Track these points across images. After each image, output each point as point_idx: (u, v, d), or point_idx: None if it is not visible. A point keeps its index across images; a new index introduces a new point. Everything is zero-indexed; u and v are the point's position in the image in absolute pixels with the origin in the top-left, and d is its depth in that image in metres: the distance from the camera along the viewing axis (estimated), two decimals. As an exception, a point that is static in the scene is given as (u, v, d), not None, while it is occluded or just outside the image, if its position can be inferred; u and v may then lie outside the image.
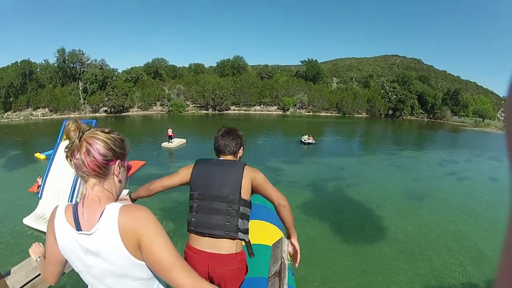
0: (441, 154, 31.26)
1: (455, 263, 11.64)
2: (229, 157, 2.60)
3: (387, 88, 64.51)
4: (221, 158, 2.59)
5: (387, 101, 62.34)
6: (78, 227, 1.34)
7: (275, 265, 2.17)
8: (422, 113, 63.67)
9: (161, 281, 1.47)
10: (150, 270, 1.37)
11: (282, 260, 2.12)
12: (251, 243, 7.91)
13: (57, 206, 1.47)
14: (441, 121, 61.37)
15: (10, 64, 46.83)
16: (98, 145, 1.34)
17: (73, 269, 1.75)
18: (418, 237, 13.50)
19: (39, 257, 1.91)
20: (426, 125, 56.70)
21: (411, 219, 15.34)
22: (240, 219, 2.26)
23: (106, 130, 1.41)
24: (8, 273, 2.12)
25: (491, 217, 15.46)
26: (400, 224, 14.66)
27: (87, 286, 1.55)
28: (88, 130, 1.38)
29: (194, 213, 2.35)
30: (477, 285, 10.41)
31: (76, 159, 1.34)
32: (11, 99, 44.40)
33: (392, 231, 14.03)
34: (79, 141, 1.33)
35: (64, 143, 8.14)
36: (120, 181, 1.48)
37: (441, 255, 12.15)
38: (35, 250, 1.98)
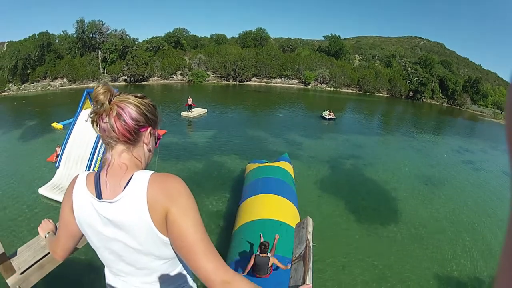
0: (459, 141, 30.98)
1: (466, 254, 11.71)
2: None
3: (409, 69, 63.36)
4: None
5: (409, 83, 61.44)
6: (99, 195, 1.29)
7: (299, 247, 1.98)
8: (442, 98, 62.66)
9: (185, 264, 1.40)
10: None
11: (308, 242, 1.94)
12: (267, 218, 8.25)
13: (77, 175, 1.42)
14: (460, 108, 60.36)
15: (28, 37, 46.12)
16: (130, 109, 1.29)
17: (86, 247, 1.81)
18: (431, 224, 13.58)
19: (48, 233, 1.89)
20: (445, 110, 55.76)
21: (426, 204, 15.35)
22: None
23: (139, 95, 1.36)
24: (15, 254, 2.07)
25: (504, 212, 15.41)
26: (414, 209, 14.71)
27: (103, 266, 1.53)
28: (119, 94, 1.33)
29: None
30: (484, 277, 10.53)
31: (105, 123, 1.28)
32: (28, 71, 43.95)
33: (406, 215, 14.08)
34: (109, 104, 1.28)
35: (85, 112, 9.45)
36: (149, 150, 1.43)
37: (452, 244, 12.22)
38: (44, 227, 1.95)
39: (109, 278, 1.51)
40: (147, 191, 1.21)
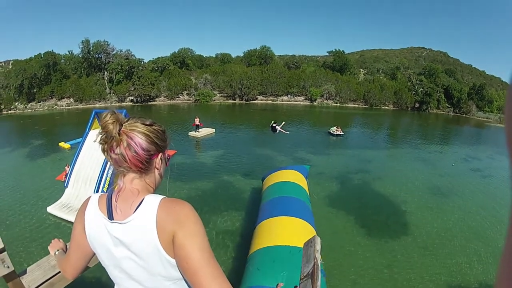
0: (466, 149, 30.93)
1: (478, 263, 11.63)
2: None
3: (413, 80, 63.64)
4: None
5: (414, 94, 61.63)
6: (111, 216, 1.33)
7: (307, 265, 1.97)
8: (448, 107, 62.62)
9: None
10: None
11: (316, 260, 1.93)
12: (281, 244, 8.08)
13: (90, 196, 1.45)
14: (466, 115, 60.21)
15: (33, 56, 46.62)
16: (140, 140, 1.30)
17: (97, 266, 1.82)
18: (442, 234, 13.54)
19: (58, 250, 1.89)
20: (452, 119, 55.67)
21: (436, 215, 15.29)
22: None
23: (147, 122, 1.36)
24: (24, 272, 2.09)
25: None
26: (424, 220, 14.67)
27: (113, 285, 1.54)
28: (127, 121, 1.33)
29: None
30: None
31: (116, 154, 1.29)
32: (34, 90, 44.41)
33: (416, 227, 14.07)
34: (119, 135, 1.29)
35: (93, 132, 10.81)
36: (160, 175, 1.46)
37: (464, 254, 12.14)
38: (54, 245, 1.95)
39: None
40: (157, 214, 1.25)
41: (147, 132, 1.33)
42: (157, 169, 1.41)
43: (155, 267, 1.31)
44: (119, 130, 1.29)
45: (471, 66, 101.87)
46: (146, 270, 1.33)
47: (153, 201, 1.30)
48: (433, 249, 12.41)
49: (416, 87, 61.91)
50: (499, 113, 61.77)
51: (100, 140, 1.32)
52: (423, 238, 13.20)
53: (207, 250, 1.26)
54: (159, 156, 1.40)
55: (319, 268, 1.91)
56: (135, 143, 1.29)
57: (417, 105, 62.02)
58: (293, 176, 14.02)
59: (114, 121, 1.29)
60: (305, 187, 13.63)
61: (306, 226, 10.14)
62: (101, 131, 1.31)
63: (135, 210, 1.29)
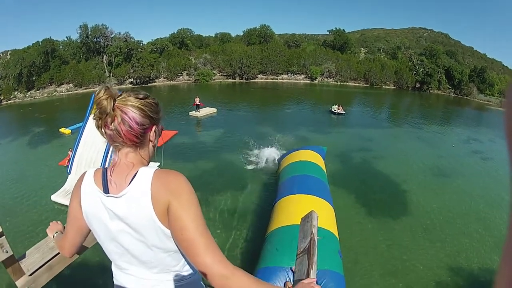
0: (467, 131, 30.93)
1: (477, 244, 11.74)
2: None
3: (414, 60, 63.00)
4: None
5: (415, 74, 61.17)
6: (106, 190, 1.33)
7: (304, 241, 1.98)
8: (449, 88, 62.25)
9: None
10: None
11: (312, 236, 1.93)
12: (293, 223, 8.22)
13: (85, 172, 1.45)
14: (467, 97, 59.77)
15: (31, 44, 45.85)
16: (134, 114, 1.30)
17: (95, 247, 1.84)
18: (442, 216, 13.60)
19: (56, 232, 1.93)
20: (452, 100, 55.57)
21: (436, 196, 15.37)
22: None
23: (141, 96, 1.35)
24: (23, 256, 2.05)
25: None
26: (424, 201, 14.74)
27: (110, 264, 1.57)
28: (120, 96, 1.32)
29: None
30: (494, 268, 10.42)
31: (111, 130, 1.30)
32: (33, 78, 43.77)
33: (416, 207, 14.16)
34: (113, 110, 1.28)
35: (93, 116, 8.79)
36: (154, 147, 1.47)
37: (463, 236, 12.23)
38: (52, 228, 1.99)
39: (116, 273, 1.55)
40: (151, 186, 1.26)
41: (140, 106, 1.32)
42: (151, 141, 1.42)
43: (151, 239, 1.32)
44: (113, 106, 1.28)
45: (472, 48, 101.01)
46: (142, 242, 1.33)
47: (147, 172, 1.30)
48: (433, 229, 12.50)
49: (417, 67, 61.40)
50: (500, 96, 61.46)
51: (94, 116, 1.33)
52: (423, 218, 13.30)
53: (201, 221, 1.28)
54: (153, 129, 1.40)
55: (316, 244, 1.90)
56: (129, 118, 1.29)
57: (418, 85, 61.60)
58: (311, 156, 14.25)
59: (108, 97, 1.28)
60: (323, 166, 13.87)
61: (325, 205, 10.27)
62: (95, 107, 1.31)
63: (130, 183, 1.29)
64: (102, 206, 1.34)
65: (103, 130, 1.33)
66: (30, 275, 1.97)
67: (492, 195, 15.95)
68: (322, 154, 15.36)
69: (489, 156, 22.83)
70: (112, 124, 1.29)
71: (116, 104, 1.29)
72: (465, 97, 60.51)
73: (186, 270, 1.47)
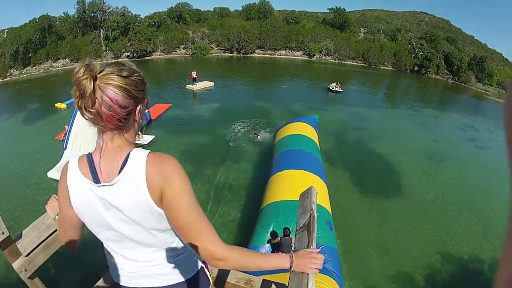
0: (464, 118, 30.90)
1: (467, 231, 11.86)
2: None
3: (414, 43, 62.40)
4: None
5: (414, 57, 60.69)
6: (97, 180, 1.25)
7: (303, 216, 1.94)
8: (447, 74, 61.91)
9: None
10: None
11: (312, 212, 1.89)
12: (290, 199, 8.68)
13: (67, 162, 1.33)
14: (465, 85, 59.39)
15: (28, 22, 44.86)
16: (116, 95, 1.16)
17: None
18: (435, 199, 13.74)
19: (57, 215, 1.72)
20: (450, 86, 55.47)
21: (429, 180, 15.48)
22: None
23: (124, 73, 1.19)
24: (20, 236, 1.98)
25: (505, 195, 14.84)
26: (417, 184, 14.86)
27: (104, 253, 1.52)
28: (102, 73, 1.16)
29: None
30: (483, 257, 10.60)
31: (91, 114, 1.16)
32: (30, 55, 43.09)
33: (410, 189, 14.26)
34: (94, 92, 1.14)
35: None
36: (139, 125, 1.35)
37: (454, 220, 12.36)
38: (52, 205, 1.85)
39: (112, 258, 1.49)
40: (146, 171, 1.21)
41: (124, 86, 1.18)
42: (136, 121, 1.31)
43: (149, 223, 1.29)
44: (93, 87, 1.13)
45: (473, 37, 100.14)
46: (140, 227, 1.29)
47: (139, 157, 1.24)
48: (426, 212, 12.59)
49: (416, 50, 60.93)
50: (498, 87, 61.33)
51: (74, 97, 1.17)
52: (416, 200, 13.40)
53: (196, 205, 1.27)
54: (138, 109, 1.28)
55: (315, 220, 1.87)
56: (111, 100, 1.15)
57: (416, 68, 61.28)
58: (303, 129, 14.24)
59: (87, 77, 1.12)
60: (315, 139, 13.89)
61: (317, 181, 10.33)
62: (74, 87, 1.15)
63: (122, 169, 1.22)
64: (94, 196, 1.25)
65: (83, 113, 1.17)
66: (27, 255, 1.92)
67: (485, 184, 16.02)
68: (314, 124, 15.34)
69: (485, 145, 22.86)
70: (93, 107, 1.15)
71: (97, 83, 1.14)
72: (463, 84, 60.15)
73: (182, 244, 1.44)
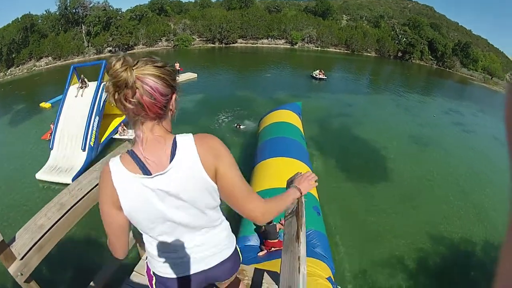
0: (449, 103, 31.00)
1: (455, 214, 11.88)
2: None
3: (397, 30, 62.63)
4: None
5: (397, 43, 60.95)
6: (147, 172, 1.24)
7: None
8: (431, 59, 62.25)
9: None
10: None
11: (300, 197, 1.89)
12: (276, 187, 7.92)
13: (106, 164, 1.29)
14: (450, 70, 59.81)
15: (10, 22, 44.14)
16: (156, 84, 1.17)
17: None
18: (421, 183, 13.71)
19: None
20: (435, 72, 55.62)
21: (415, 164, 15.45)
22: None
23: (159, 64, 1.21)
24: (13, 240, 1.95)
25: (493, 177, 15.19)
26: (404, 168, 14.81)
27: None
28: (136, 65, 1.16)
29: None
30: (473, 238, 10.64)
31: (133, 104, 1.15)
32: (13, 55, 42.13)
33: (395, 174, 14.22)
34: (134, 83, 1.14)
35: (73, 87, 10.64)
36: (173, 115, 1.37)
37: (440, 205, 12.33)
38: None
39: (159, 251, 1.46)
40: (198, 153, 1.24)
41: (162, 75, 1.20)
42: (171, 110, 1.34)
43: (204, 200, 1.32)
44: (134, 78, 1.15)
45: (457, 23, 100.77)
46: (195, 208, 1.33)
47: (186, 141, 1.28)
48: (412, 196, 12.62)
49: (400, 36, 61.13)
50: (483, 72, 61.62)
51: (108, 89, 1.16)
52: (402, 185, 13.44)
53: (241, 174, 1.37)
54: (174, 97, 1.30)
55: (303, 205, 1.92)
56: (152, 89, 1.17)
57: (400, 54, 61.51)
58: (287, 116, 14.19)
59: (126, 68, 1.12)
60: (299, 126, 13.84)
61: (303, 167, 10.17)
62: (109, 79, 1.15)
63: (173, 156, 1.25)
64: (147, 190, 1.25)
65: (122, 105, 1.17)
66: (21, 258, 1.88)
67: (473, 167, 16.05)
68: (298, 111, 15.28)
69: (470, 129, 22.88)
70: (134, 97, 1.15)
71: (135, 74, 1.14)
72: (447, 69, 60.48)
73: (222, 218, 1.52)
